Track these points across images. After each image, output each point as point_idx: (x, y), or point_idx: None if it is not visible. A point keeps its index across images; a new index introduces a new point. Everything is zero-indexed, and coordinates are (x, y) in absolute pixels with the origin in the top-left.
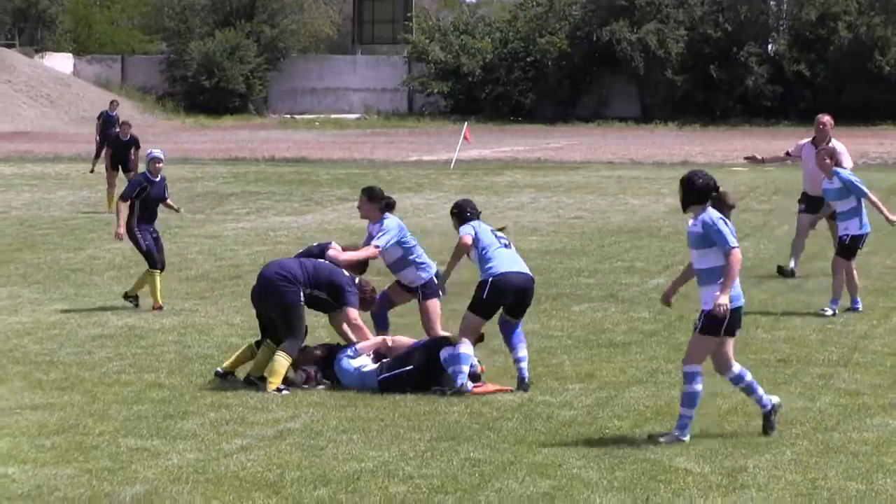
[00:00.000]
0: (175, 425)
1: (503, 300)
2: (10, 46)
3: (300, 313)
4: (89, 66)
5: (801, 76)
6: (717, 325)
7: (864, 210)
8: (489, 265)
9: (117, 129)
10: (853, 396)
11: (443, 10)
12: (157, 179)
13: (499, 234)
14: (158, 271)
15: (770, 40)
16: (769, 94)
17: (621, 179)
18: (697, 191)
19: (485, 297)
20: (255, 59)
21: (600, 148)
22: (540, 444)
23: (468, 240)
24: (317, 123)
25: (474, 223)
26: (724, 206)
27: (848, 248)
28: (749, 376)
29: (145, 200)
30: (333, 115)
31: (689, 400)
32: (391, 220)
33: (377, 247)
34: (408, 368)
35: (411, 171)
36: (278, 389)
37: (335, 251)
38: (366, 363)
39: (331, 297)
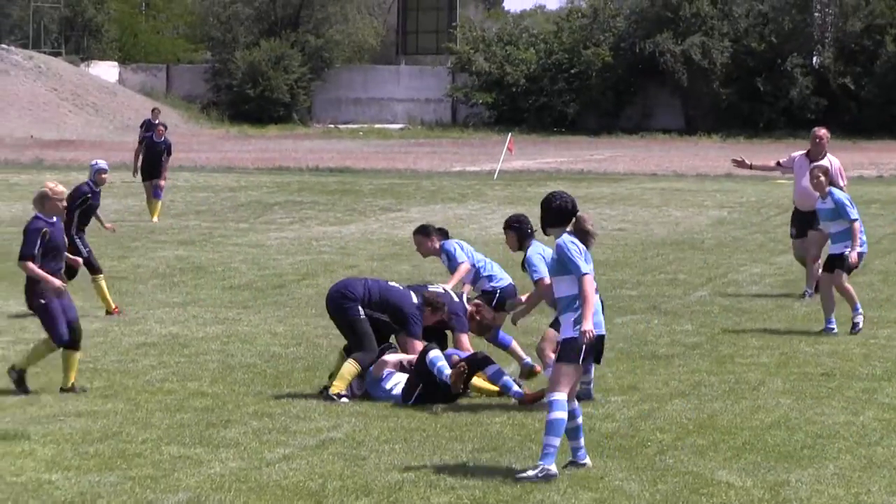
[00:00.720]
0: (217, 434)
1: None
2: (56, 55)
3: (363, 328)
4: (134, 74)
5: (846, 89)
6: (575, 352)
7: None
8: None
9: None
10: None
11: (487, 20)
12: (98, 190)
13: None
14: (101, 275)
15: (815, 52)
16: (813, 106)
17: (664, 191)
18: (554, 212)
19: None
20: (299, 69)
21: (644, 160)
22: None
23: (547, 282)
24: (360, 133)
25: (541, 250)
26: (583, 233)
27: (847, 266)
28: (580, 420)
29: (86, 210)
30: (377, 125)
31: (552, 428)
32: (450, 243)
33: (462, 262)
34: (408, 380)
35: (455, 181)
36: (339, 395)
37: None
38: (398, 381)
39: (393, 322)
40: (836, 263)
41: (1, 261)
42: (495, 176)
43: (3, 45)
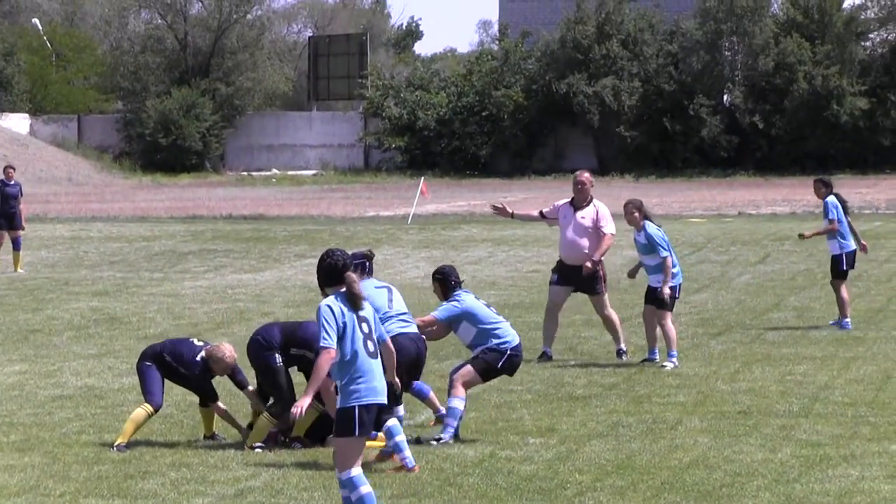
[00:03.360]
0: (136, 485)
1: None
2: None
3: (280, 379)
4: (46, 126)
5: (756, 127)
6: (349, 424)
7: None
8: (502, 339)
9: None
10: (815, 448)
11: (397, 65)
12: None
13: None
14: None
15: (726, 91)
16: (725, 144)
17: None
18: (324, 271)
19: (499, 367)
20: (211, 117)
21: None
22: (501, 499)
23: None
24: (273, 180)
25: (460, 297)
26: (351, 295)
27: (664, 301)
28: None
29: None
30: (290, 172)
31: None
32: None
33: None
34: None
35: (369, 226)
36: (254, 446)
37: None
38: None
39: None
40: (654, 296)
41: None
42: (409, 220)
43: None
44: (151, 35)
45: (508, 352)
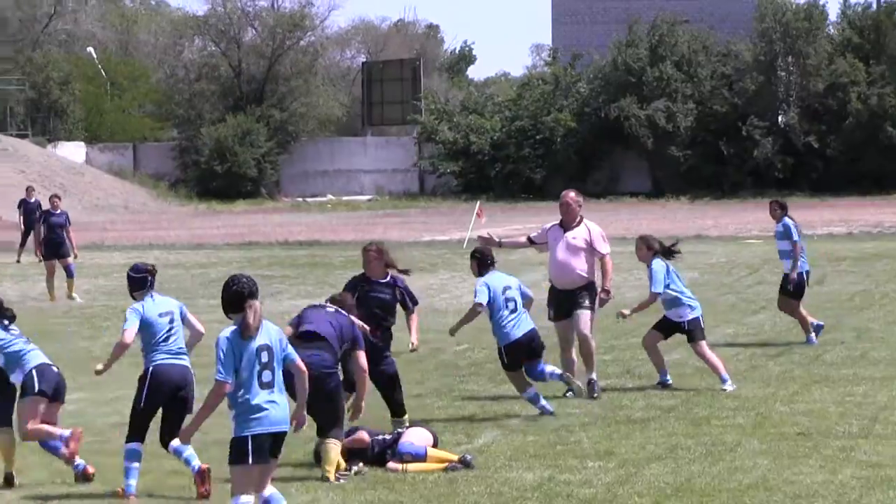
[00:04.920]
0: None
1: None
2: (23, 136)
3: (341, 402)
4: (101, 154)
5: (811, 147)
6: (241, 453)
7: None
8: (503, 331)
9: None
10: (875, 468)
11: (451, 90)
12: None
13: (508, 293)
14: None
15: (780, 112)
16: (780, 165)
17: (634, 255)
18: (227, 298)
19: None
20: (266, 144)
21: (612, 223)
22: None
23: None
24: (329, 206)
25: (490, 279)
26: (244, 326)
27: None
28: None
29: None
30: (345, 197)
31: None
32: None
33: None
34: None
35: (425, 251)
36: (338, 478)
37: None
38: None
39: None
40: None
41: None
42: (465, 244)
43: None
44: (206, 63)
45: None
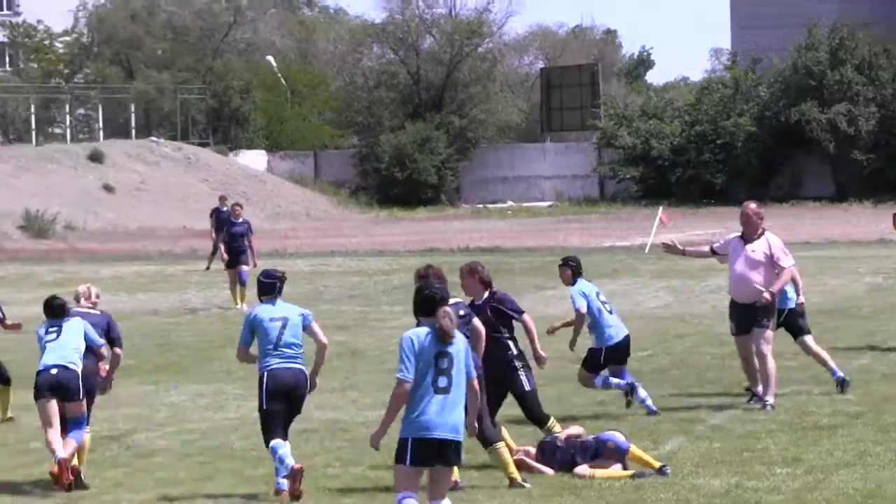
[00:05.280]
0: None
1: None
2: (204, 145)
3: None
4: (282, 162)
5: None
6: (401, 454)
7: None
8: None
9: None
10: None
11: (629, 95)
12: None
13: (601, 297)
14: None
15: None
16: None
17: (818, 259)
18: (419, 302)
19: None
20: (445, 150)
21: (795, 228)
22: None
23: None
24: (509, 212)
25: (582, 286)
26: (440, 331)
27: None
28: None
29: None
30: (525, 204)
31: None
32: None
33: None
34: None
35: (606, 257)
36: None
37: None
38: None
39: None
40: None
41: (161, 351)
42: (647, 250)
43: (153, 138)
44: (384, 70)
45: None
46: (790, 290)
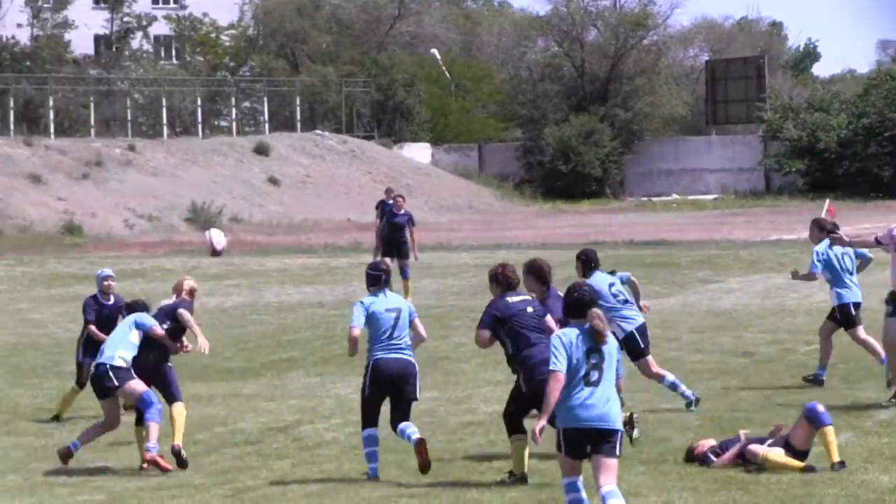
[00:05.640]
0: None
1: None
2: (369, 138)
3: None
4: (447, 155)
5: None
6: (558, 443)
7: None
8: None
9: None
10: None
11: (795, 87)
12: (109, 302)
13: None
14: (79, 389)
15: None
16: None
17: None
18: (569, 304)
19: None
20: (609, 143)
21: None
22: None
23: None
24: (674, 205)
25: (595, 279)
26: (593, 331)
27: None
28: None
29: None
30: (690, 197)
31: None
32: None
33: None
34: None
35: (772, 250)
36: None
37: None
38: None
39: None
40: None
41: (326, 343)
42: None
43: (318, 131)
44: (549, 63)
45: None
46: None
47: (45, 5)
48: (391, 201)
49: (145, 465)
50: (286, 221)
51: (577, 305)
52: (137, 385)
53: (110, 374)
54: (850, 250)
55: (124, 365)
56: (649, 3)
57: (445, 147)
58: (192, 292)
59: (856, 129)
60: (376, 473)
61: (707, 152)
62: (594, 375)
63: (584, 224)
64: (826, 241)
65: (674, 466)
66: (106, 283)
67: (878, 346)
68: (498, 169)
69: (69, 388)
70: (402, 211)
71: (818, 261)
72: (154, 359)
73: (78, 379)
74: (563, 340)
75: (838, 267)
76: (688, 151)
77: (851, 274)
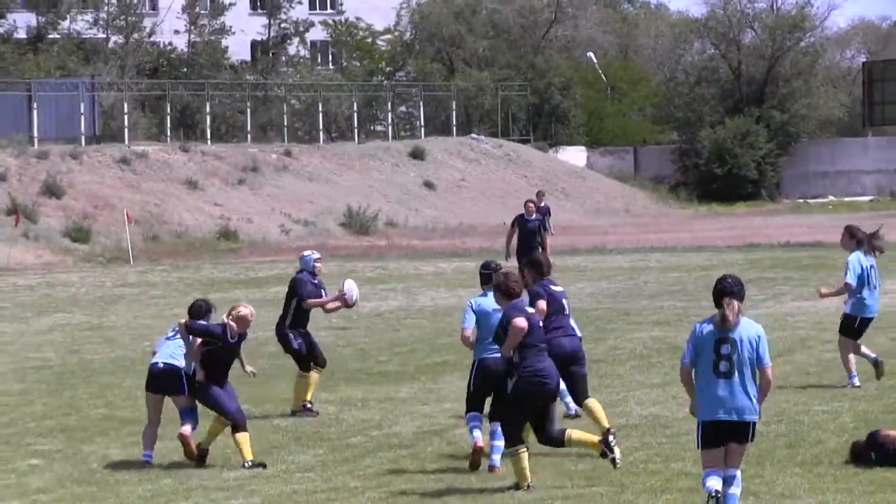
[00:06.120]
0: None
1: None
2: (524, 142)
3: None
4: (602, 158)
5: None
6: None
7: None
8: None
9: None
10: None
11: None
12: (316, 281)
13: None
14: (312, 373)
15: None
16: None
17: None
18: (714, 292)
19: None
20: (765, 145)
21: None
22: None
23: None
24: (830, 207)
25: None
26: (720, 319)
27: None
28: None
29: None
30: (846, 199)
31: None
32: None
33: None
34: None
35: None
36: None
37: None
38: None
39: None
40: None
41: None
42: None
43: (474, 135)
44: (705, 66)
45: None
46: None
47: (203, 11)
48: (542, 204)
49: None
50: (441, 225)
51: (717, 294)
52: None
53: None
54: (875, 262)
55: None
56: (806, 4)
57: (601, 150)
58: (240, 320)
59: None
60: (474, 440)
61: (863, 154)
62: (724, 366)
63: (740, 226)
64: (858, 253)
65: (829, 468)
66: (317, 265)
67: (853, 365)
68: (653, 172)
69: (297, 380)
70: (534, 216)
71: (854, 274)
72: None
73: (302, 366)
74: (695, 332)
75: (865, 280)
76: (844, 153)
77: (876, 288)
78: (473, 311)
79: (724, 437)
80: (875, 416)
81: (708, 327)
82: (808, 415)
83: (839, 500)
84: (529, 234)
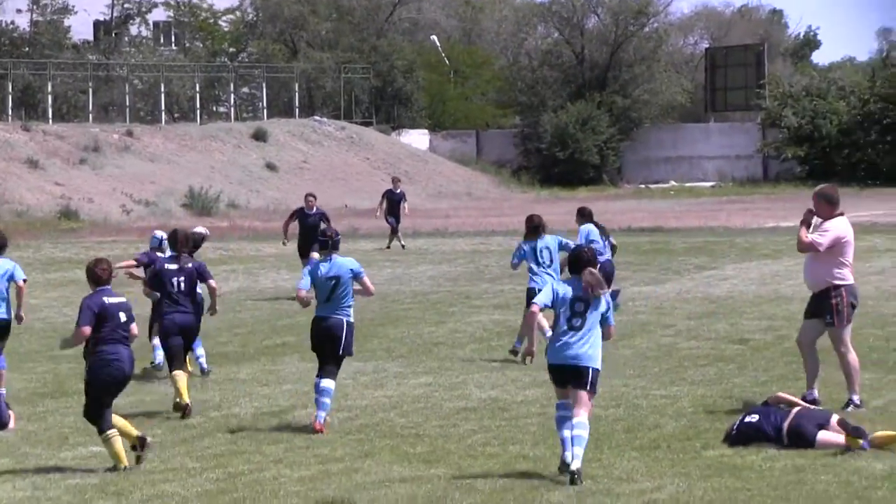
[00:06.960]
0: (541, 497)
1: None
2: (367, 125)
3: None
4: (444, 141)
5: None
6: None
7: None
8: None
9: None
10: None
11: (794, 75)
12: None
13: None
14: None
15: None
16: None
17: None
18: (571, 261)
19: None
20: (607, 130)
21: None
22: None
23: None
24: (671, 192)
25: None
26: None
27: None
28: None
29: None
30: (688, 184)
31: None
32: None
33: None
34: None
35: (769, 237)
36: None
37: None
38: None
39: None
40: None
41: None
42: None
43: (317, 117)
44: (549, 50)
45: None
46: None
47: None
48: (398, 191)
49: None
50: (283, 207)
51: (576, 262)
52: None
53: None
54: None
55: None
56: None
57: (443, 133)
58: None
59: (856, 117)
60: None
61: (705, 139)
62: (576, 322)
63: None
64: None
65: (667, 452)
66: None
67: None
68: (496, 156)
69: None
70: (314, 210)
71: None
72: None
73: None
74: (555, 290)
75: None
76: (686, 139)
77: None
78: (309, 272)
79: (563, 379)
80: (713, 400)
81: (567, 286)
82: (646, 399)
83: (676, 483)
84: (311, 228)
